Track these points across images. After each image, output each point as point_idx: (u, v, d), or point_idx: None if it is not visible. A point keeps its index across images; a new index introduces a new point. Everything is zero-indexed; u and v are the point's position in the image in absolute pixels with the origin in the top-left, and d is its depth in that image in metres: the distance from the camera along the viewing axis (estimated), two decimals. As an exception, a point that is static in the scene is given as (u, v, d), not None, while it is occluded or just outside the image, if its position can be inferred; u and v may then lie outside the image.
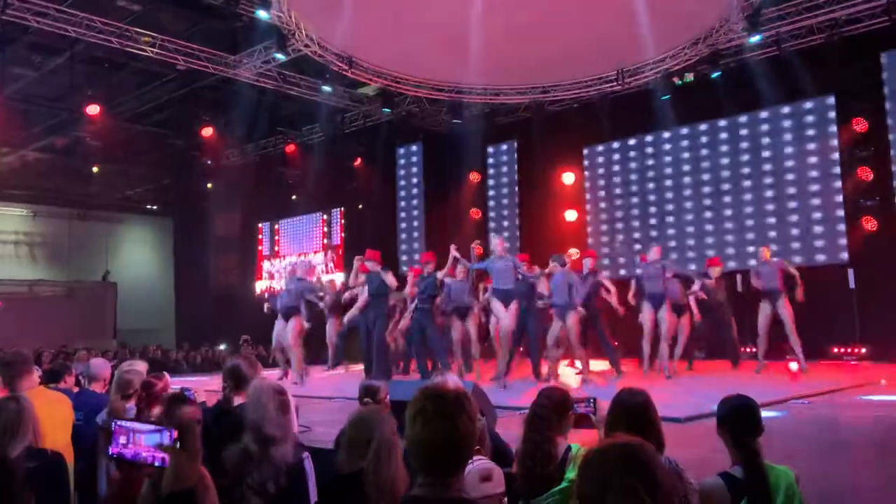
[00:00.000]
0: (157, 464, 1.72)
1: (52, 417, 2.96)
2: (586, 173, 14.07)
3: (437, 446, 1.62)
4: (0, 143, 15.02)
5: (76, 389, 4.69)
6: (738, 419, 2.47)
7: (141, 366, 4.50)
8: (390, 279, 9.12)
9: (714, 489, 2.35)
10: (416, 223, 15.94)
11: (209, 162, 17.04)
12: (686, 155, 12.81)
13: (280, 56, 11.69)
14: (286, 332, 9.23)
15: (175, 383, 4.47)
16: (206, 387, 6.96)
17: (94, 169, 17.08)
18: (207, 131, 14.63)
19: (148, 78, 13.48)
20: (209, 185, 18.51)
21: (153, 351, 16.35)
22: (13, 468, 2.42)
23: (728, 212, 12.24)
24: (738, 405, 2.52)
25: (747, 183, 12.07)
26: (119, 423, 1.79)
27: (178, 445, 1.69)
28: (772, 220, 11.73)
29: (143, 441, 1.74)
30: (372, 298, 9.19)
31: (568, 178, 14.10)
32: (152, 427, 1.76)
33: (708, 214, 12.48)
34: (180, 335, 18.84)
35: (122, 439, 1.75)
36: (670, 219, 12.90)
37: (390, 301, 9.51)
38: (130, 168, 18.77)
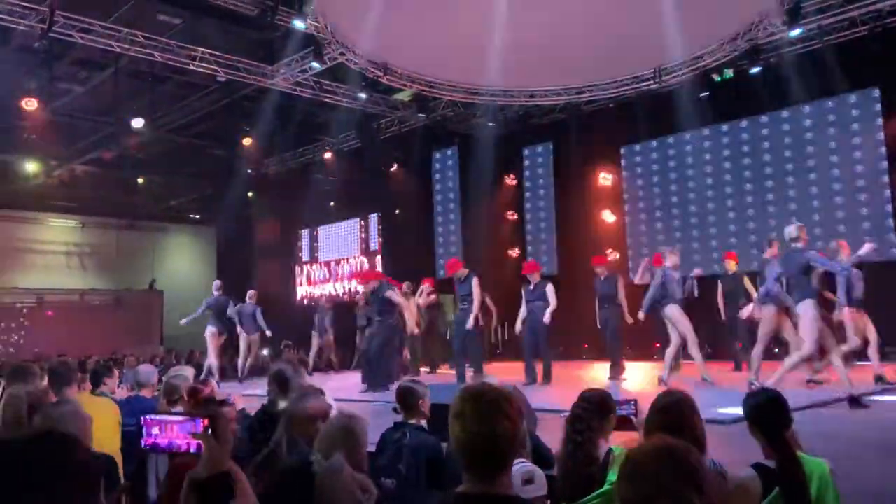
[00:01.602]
0: (192, 450, 1.80)
1: (100, 423, 3.06)
2: (624, 173, 13.93)
3: (477, 447, 1.65)
4: (50, 157, 15.53)
5: (125, 394, 4.83)
6: (767, 413, 2.49)
7: (189, 372, 4.63)
8: (392, 296, 9.39)
9: (747, 480, 2.35)
10: (452, 227, 15.98)
11: (250, 171, 17.36)
12: (727, 153, 12.59)
13: (316, 65, 11.85)
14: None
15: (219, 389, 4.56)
16: (245, 391, 7.09)
17: (140, 180, 17.54)
18: (247, 141, 14.90)
19: (189, 90, 13.81)
20: (250, 194, 18.84)
21: (199, 356, 16.70)
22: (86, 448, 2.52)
23: (772, 209, 11.99)
24: (763, 399, 2.55)
25: (791, 179, 11.82)
26: (149, 416, 1.88)
27: (209, 432, 1.78)
28: (817, 216, 11.46)
29: (177, 430, 1.82)
30: (377, 314, 9.48)
31: (605, 178, 13.98)
32: (183, 417, 1.86)
33: (750, 212, 12.25)
34: (224, 340, 19.17)
35: (155, 430, 1.84)
36: (711, 218, 12.69)
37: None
38: (174, 178, 19.22)
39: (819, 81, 10.55)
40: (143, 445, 1.87)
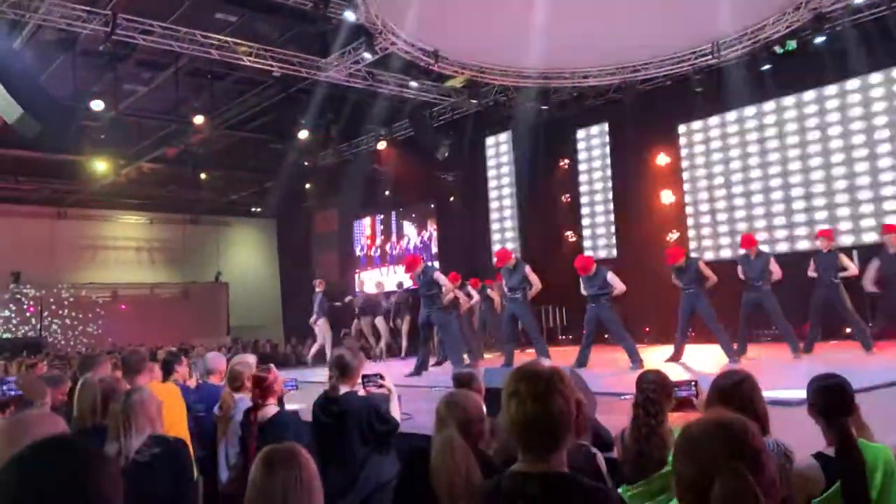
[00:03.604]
0: None
1: (169, 410, 3.18)
2: (683, 152, 13.54)
3: (532, 426, 1.65)
4: (118, 156, 16.11)
5: (193, 382, 5.01)
6: (827, 398, 2.40)
7: (250, 359, 4.77)
8: (438, 277, 9.76)
9: (808, 470, 2.29)
10: (507, 212, 15.92)
11: (306, 163, 17.65)
12: (792, 127, 12.11)
13: (367, 55, 11.92)
14: None
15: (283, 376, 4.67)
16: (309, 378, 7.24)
17: (202, 176, 18.04)
18: (303, 133, 15.14)
19: (247, 86, 14.11)
20: (307, 186, 19.17)
21: (263, 345, 17.19)
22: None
23: (841, 184, 11.50)
24: (825, 385, 2.46)
25: (861, 153, 11.30)
26: None
27: None
28: (890, 190, 10.94)
29: None
30: (427, 298, 9.75)
31: (662, 158, 13.64)
32: None
33: (819, 188, 11.78)
34: (287, 329, 19.67)
35: None
36: (776, 195, 12.25)
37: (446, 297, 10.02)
38: (235, 173, 19.70)
39: (888, 49, 10.05)
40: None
